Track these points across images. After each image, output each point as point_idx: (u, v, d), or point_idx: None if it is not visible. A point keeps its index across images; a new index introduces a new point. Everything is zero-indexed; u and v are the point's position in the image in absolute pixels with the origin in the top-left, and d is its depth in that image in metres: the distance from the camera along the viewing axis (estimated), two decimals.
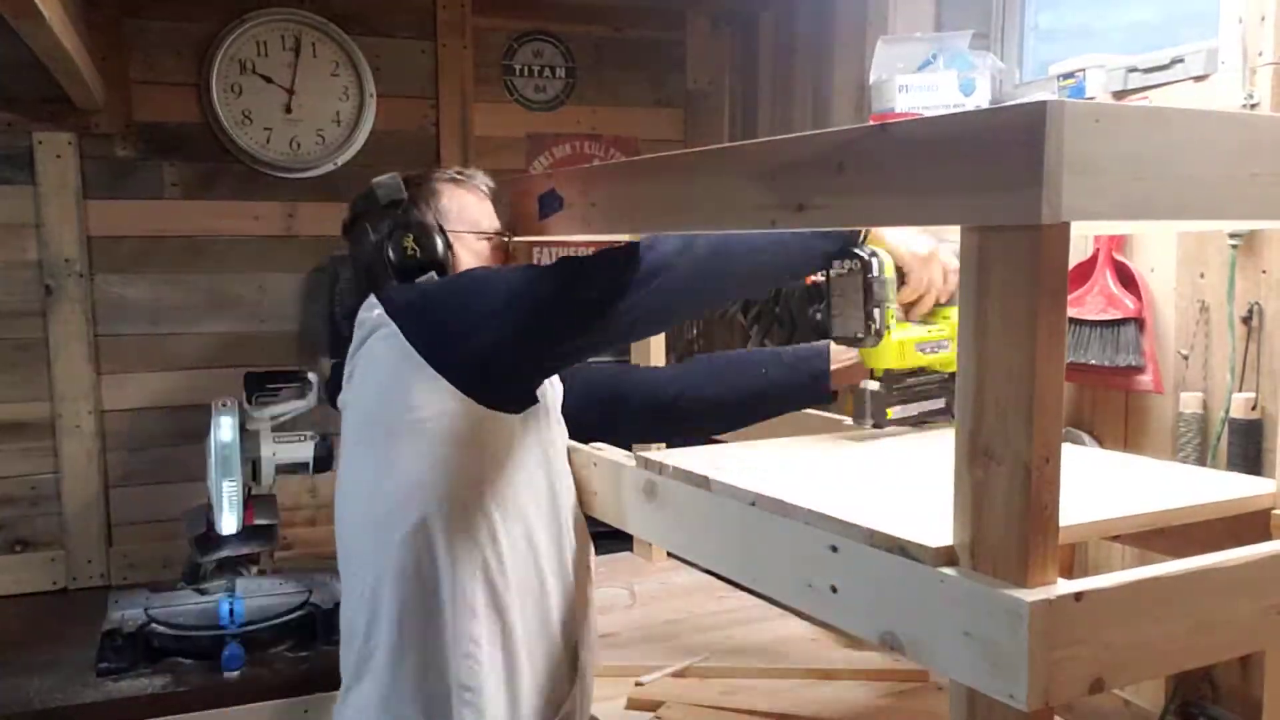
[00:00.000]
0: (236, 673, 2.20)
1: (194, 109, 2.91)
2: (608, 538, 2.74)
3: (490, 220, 1.66)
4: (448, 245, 1.57)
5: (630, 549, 2.59)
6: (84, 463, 2.82)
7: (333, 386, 1.60)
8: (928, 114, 2.27)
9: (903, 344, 1.53)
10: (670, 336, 2.48)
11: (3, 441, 2.79)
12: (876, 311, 1.49)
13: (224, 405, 2.37)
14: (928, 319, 1.59)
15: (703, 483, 1.31)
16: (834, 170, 1.09)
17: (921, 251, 1.53)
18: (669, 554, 2.49)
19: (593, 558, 1.64)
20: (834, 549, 1.11)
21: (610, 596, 2.23)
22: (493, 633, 1.41)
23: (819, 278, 2.25)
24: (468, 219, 1.63)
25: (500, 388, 1.41)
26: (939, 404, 1.59)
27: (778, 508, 1.19)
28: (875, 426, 1.54)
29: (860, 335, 1.51)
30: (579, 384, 1.68)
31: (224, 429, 2.34)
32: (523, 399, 1.45)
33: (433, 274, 1.55)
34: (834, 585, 1.11)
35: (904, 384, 1.55)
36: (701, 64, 3.47)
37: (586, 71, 3.36)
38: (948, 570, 0.98)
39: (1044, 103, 0.87)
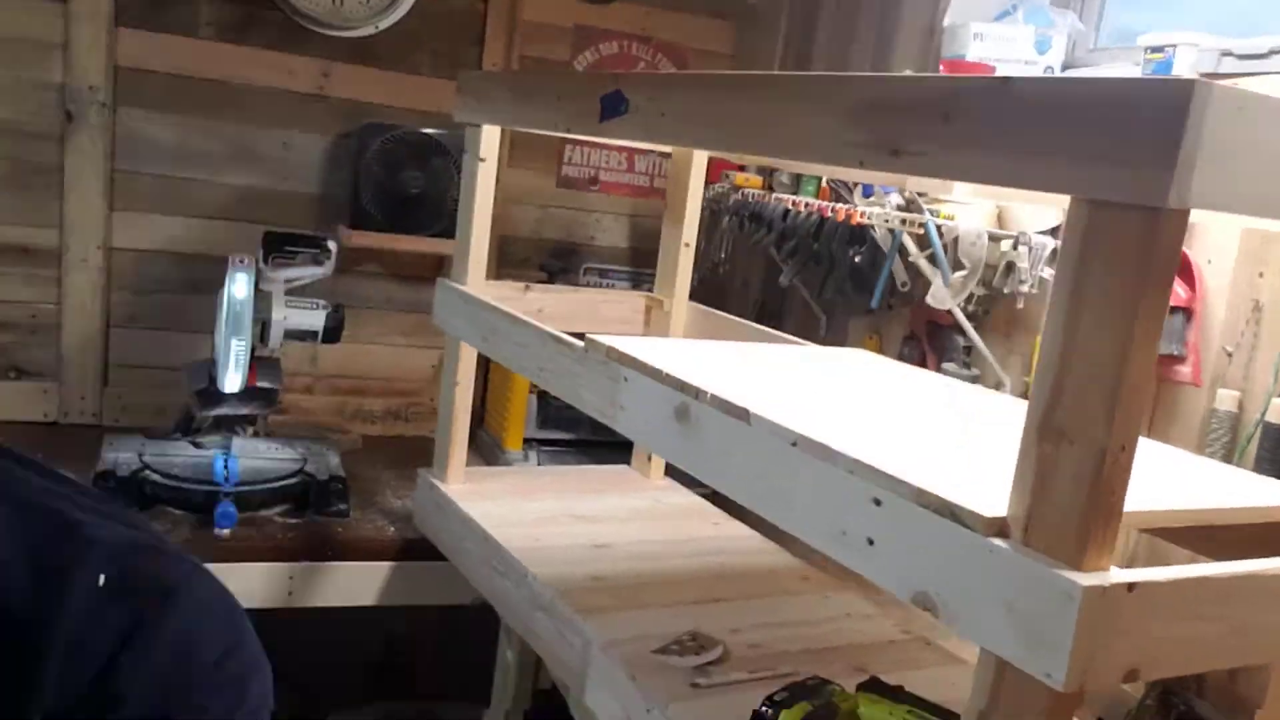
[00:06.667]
0: (227, 531, 2.19)
1: None
2: (604, 447, 2.74)
3: None
4: None
5: (629, 463, 2.57)
6: (87, 298, 2.77)
7: None
8: (1000, 67, 2.21)
9: None
10: (698, 258, 2.43)
11: (7, 264, 2.73)
12: None
13: (242, 262, 2.32)
14: None
15: (742, 415, 1.29)
16: (939, 118, 1.05)
17: None
18: (667, 474, 2.50)
19: None
20: (877, 502, 1.09)
21: (606, 509, 2.23)
22: None
23: (864, 219, 2.22)
24: None
25: None
26: None
27: (821, 452, 1.17)
28: None
29: None
30: None
31: (239, 285, 2.30)
32: None
33: None
34: (871, 538, 1.10)
35: None
36: None
37: None
38: (998, 541, 0.97)
39: (1192, 81, 0.83)
